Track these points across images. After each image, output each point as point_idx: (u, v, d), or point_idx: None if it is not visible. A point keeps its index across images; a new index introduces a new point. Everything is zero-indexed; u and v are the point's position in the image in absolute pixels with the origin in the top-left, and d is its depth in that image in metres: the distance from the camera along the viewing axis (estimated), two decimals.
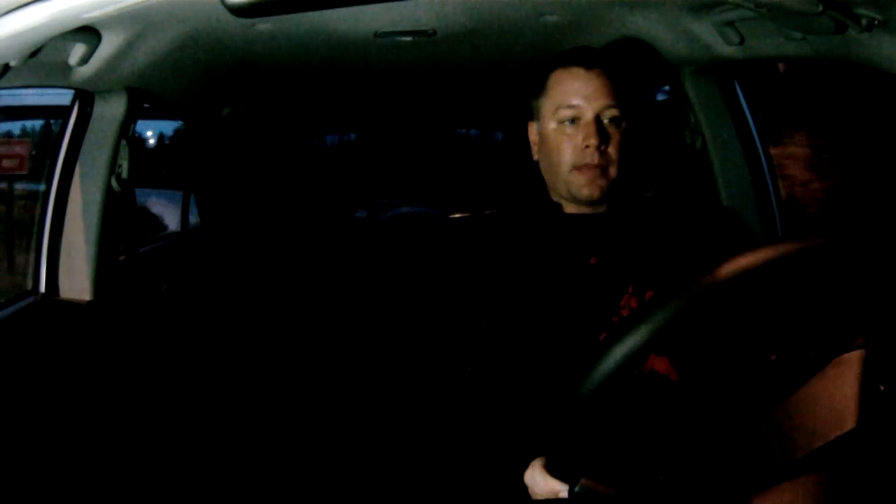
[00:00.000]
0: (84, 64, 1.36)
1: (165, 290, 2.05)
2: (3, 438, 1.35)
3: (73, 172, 1.62)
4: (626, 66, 1.23)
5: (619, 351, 0.78)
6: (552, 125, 1.19)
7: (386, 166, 3.54)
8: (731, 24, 1.30)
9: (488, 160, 3.47)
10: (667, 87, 1.77)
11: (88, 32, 1.27)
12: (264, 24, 1.49)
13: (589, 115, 1.16)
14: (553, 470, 0.93)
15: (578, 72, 1.17)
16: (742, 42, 1.34)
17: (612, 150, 1.16)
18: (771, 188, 1.63)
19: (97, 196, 1.61)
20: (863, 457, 0.75)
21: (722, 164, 1.59)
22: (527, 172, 1.33)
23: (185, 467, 1.81)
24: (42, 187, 1.67)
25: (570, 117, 1.17)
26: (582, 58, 1.19)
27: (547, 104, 1.20)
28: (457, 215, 3.04)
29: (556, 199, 1.24)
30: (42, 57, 1.16)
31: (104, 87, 1.55)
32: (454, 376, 1.17)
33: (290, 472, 1.92)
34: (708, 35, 1.37)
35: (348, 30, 1.56)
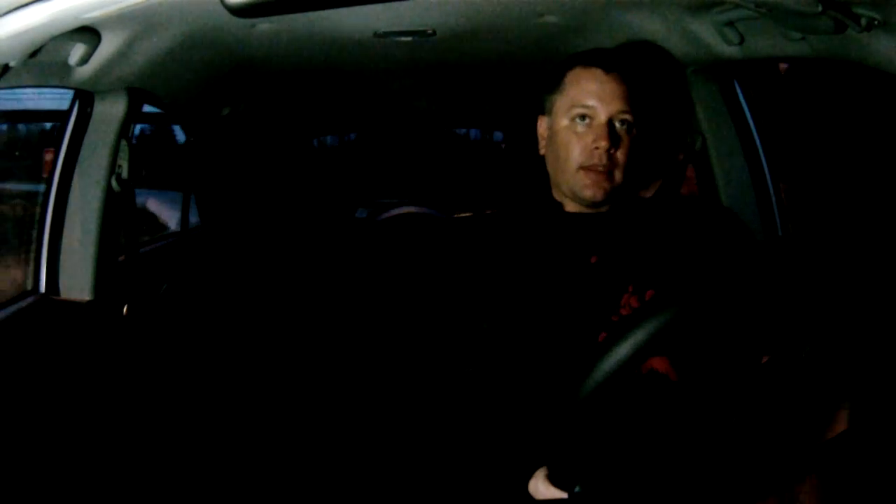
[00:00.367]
0: (84, 64, 1.36)
1: (165, 291, 2.04)
2: (3, 438, 1.35)
3: (73, 172, 1.62)
4: (642, 73, 1.24)
5: (615, 356, 0.79)
6: (564, 122, 1.19)
7: (386, 166, 3.54)
8: (731, 24, 1.30)
9: (488, 160, 3.47)
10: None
11: (88, 32, 1.27)
12: (264, 24, 1.49)
13: (602, 117, 1.16)
14: (555, 480, 0.94)
15: (597, 73, 1.18)
16: (742, 42, 1.34)
17: (620, 154, 1.17)
18: (771, 188, 1.63)
19: (97, 196, 1.61)
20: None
21: (722, 164, 1.59)
22: (527, 172, 1.33)
23: (185, 467, 1.81)
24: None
25: (582, 115, 1.17)
26: (602, 60, 1.19)
27: (561, 101, 1.20)
28: (457, 215, 3.04)
29: (558, 196, 1.24)
30: (42, 57, 1.16)
31: (104, 87, 1.55)
32: (454, 377, 1.17)
33: (289, 473, 1.92)
34: (708, 35, 1.37)
35: (348, 30, 1.56)
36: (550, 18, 1.49)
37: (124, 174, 1.63)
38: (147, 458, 1.71)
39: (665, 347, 1.09)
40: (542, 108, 1.25)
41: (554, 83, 1.22)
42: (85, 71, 1.40)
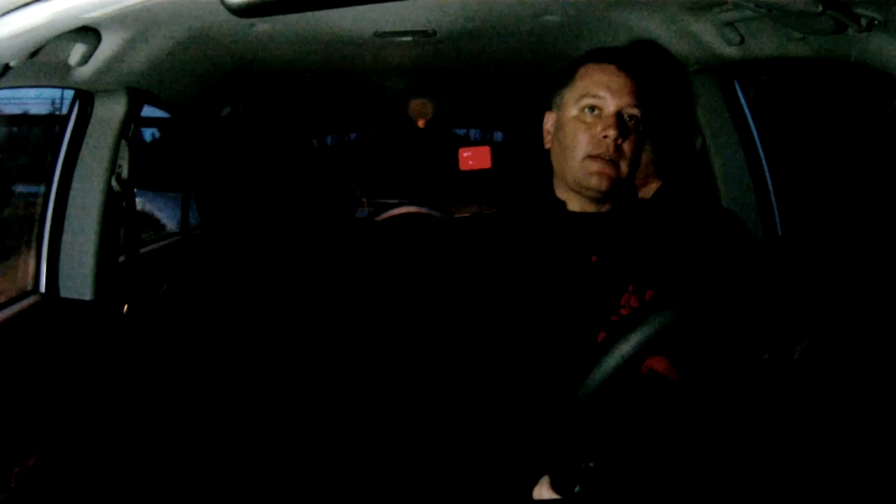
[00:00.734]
0: (84, 64, 1.36)
1: (165, 291, 2.04)
2: (4, 438, 1.35)
3: (73, 172, 1.62)
4: (651, 73, 1.25)
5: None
6: (573, 112, 1.20)
7: (386, 166, 3.54)
8: (731, 24, 1.30)
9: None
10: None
11: (88, 32, 1.27)
12: (264, 24, 1.49)
13: (611, 107, 1.17)
14: (557, 487, 0.95)
15: (609, 68, 1.20)
16: (742, 42, 1.34)
17: (627, 146, 1.17)
18: (771, 188, 1.63)
19: (97, 196, 1.61)
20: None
21: (722, 164, 1.59)
22: (527, 172, 1.33)
23: (185, 467, 1.81)
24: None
25: (592, 106, 1.18)
26: (615, 57, 1.21)
27: (571, 93, 1.21)
28: (457, 215, 3.04)
29: (561, 193, 1.24)
30: (42, 57, 1.16)
31: (104, 88, 1.56)
32: (454, 377, 1.17)
33: (289, 473, 1.92)
34: (708, 35, 1.37)
35: (348, 30, 1.56)
36: (551, 18, 1.49)
37: (124, 174, 1.63)
38: (147, 458, 1.71)
39: (665, 347, 1.09)
40: (549, 105, 1.27)
41: (564, 78, 1.24)
42: (85, 71, 1.40)
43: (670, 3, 1.33)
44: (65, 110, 1.68)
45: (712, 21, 1.32)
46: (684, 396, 1.08)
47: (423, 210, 3.02)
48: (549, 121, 1.26)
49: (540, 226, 1.23)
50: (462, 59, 1.88)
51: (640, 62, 1.23)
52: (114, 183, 1.62)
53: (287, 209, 3.05)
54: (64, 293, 1.61)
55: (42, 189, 1.67)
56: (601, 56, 1.22)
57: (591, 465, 0.88)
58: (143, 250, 2.02)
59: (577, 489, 0.89)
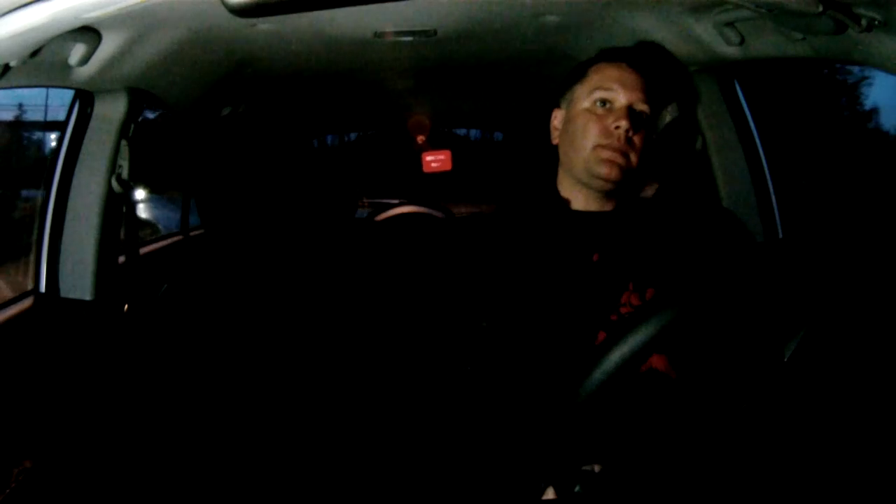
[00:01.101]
0: (84, 64, 1.36)
1: (165, 291, 2.04)
2: (4, 438, 1.35)
3: (74, 172, 1.62)
4: (660, 75, 1.27)
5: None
6: (584, 105, 1.22)
7: (386, 166, 3.54)
8: (731, 24, 1.30)
9: (488, 160, 3.47)
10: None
11: (88, 32, 1.27)
12: (264, 24, 1.49)
13: (623, 101, 1.20)
14: (557, 487, 0.95)
15: (622, 65, 1.23)
16: (742, 42, 1.34)
17: (637, 139, 1.19)
18: (771, 188, 1.63)
19: (97, 196, 1.61)
20: None
21: (722, 164, 1.59)
22: (529, 171, 1.34)
23: (185, 467, 1.81)
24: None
25: (603, 99, 1.20)
26: (629, 56, 1.24)
27: (583, 88, 1.24)
28: (457, 215, 3.04)
29: (565, 190, 1.24)
30: (42, 57, 1.16)
31: (104, 87, 1.55)
32: (454, 375, 1.17)
33: (289, 473, 1.92)
34: (708, 35, 1.37)
35: (348, 30, 1.56)
36: (551, 18, 1.49)
37: (124, 174, 1.63)
38: (147, 458, 1.71)
39: (665, 346, 1.09)
40: (557, 103, 1.29)
41: (576, 76, 1.27)
42: (85, 71, 1.40)
43: (670, 4, 1.33)
44: (64, 111, 1.68)
45: (712, 21, 1.32)
46: (684, 395, 1.08)
47: (423, 210, 3.02)
48: (558, 117, 1.28)
49: (541, 224, 1.23)
50: (462, 59, 1.88)
51: (652, 63, 1.25)
52: (114, 183, 1.62)
53: (287, 209, 3.05)
54: (64, 293, 1.61)
55: (42, 189, 1.67)
56: (613, 55, 1.25)
57: (594, 468, 0.88)
58: (143, 250, 2.02)
59: (577, 489, 0.89)
